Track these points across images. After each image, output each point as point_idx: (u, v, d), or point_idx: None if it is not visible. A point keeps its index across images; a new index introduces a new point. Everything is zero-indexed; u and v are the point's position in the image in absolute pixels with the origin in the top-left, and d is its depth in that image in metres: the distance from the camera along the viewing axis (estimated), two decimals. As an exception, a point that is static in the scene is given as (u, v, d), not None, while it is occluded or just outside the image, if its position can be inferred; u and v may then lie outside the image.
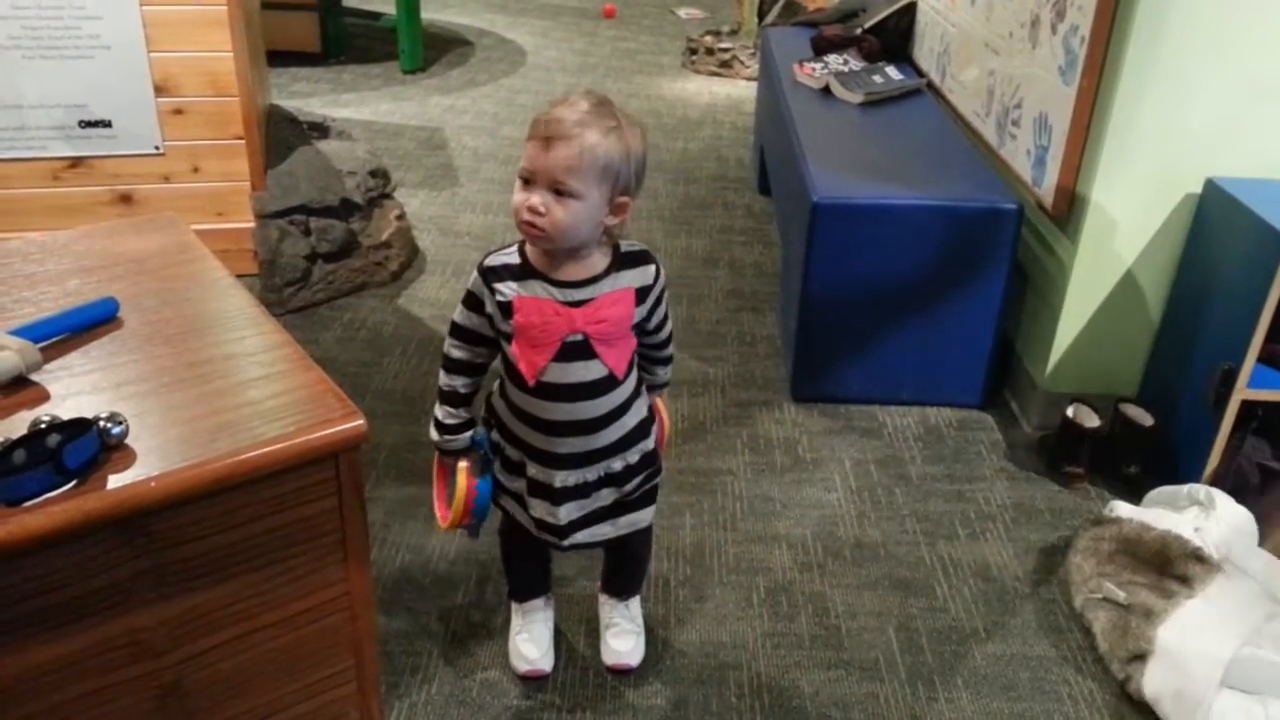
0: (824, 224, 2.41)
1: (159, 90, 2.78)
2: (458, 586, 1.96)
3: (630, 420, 1.56)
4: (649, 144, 1.46)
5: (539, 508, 1.58)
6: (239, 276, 1.36)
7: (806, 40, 3.77)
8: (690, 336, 2.85)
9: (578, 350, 1.46)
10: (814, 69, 3.37)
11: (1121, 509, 2.01)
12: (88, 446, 0.96)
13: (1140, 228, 2.26)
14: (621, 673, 1.79)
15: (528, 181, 1.38)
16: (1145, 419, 2.27)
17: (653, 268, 1.51)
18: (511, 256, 1.47)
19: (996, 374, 2.59)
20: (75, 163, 2.82)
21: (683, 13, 6.98)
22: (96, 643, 1.00)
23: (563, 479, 1.55)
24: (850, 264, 2.45)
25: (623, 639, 1.80)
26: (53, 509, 0.92)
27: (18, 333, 1.13)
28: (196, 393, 1.10)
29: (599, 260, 1.46)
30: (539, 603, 1.82)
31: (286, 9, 5.00)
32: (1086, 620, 1.90)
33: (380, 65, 5.35)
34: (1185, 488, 2.01)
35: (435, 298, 3.04)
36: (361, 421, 1.07)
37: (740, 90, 5.28)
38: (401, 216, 3.25)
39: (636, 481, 1.61)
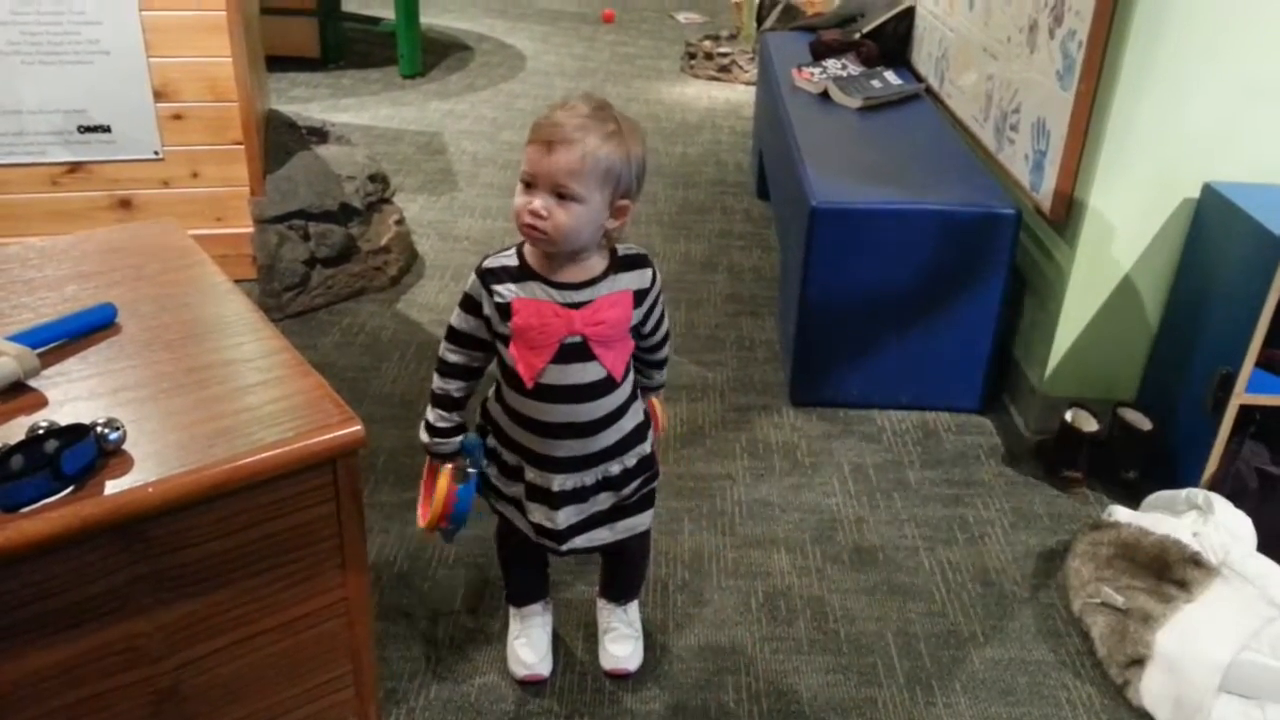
0: (822, 229, 2.41)
1: (158, 95, 2.79)
2: (456, 591, 1.96)
3: (627, 424, 1.56)
4: (648, 148, 1.46)
5: (537, 512, 1.58)
6: (238, 281, 1.36)
7: (805, 45, 3.78)
8: (689, 341, 2.85)
9: (576, 352, 1.46)
10: (812, 74, 3.37)
11: (1120, 513, 2.01)
12: (85, 452, 0.96)
13: (1138, 232, 2.27)
14: (620, 678, 1.79)
15: (529, 185, 1.39)
16: (1143, 423, 2.27)
17: (649, 271, 1.51)
18: (510, 259, 1.47)
19: (995, 378, 2.60)
20: (74, 168, 2.82)
21: (681, 17, 6.99)
22: (94, 648, 1.00)
23: (560, 483, 1.55)
24: (849, 269, 2.45)
25: (621, 644, 1.80)
26: (50, 515, 0.92)
27: (16, 339, 1.13)
28: (194, 398, 1.10)
29: (597, 263, 1.47)
30: (537, 607, 1.82)
31: (286, 14, 5.01)
32: (1085, 625, 1.90)
33: (379, 70, 5.36)
34: (1183, 492, 2.01)
35: (434, 302, 3.04)
36: (359, 427, 1.07)
37: (739, 95, 5.29)
38: (400, 221, 3.26)
39: (634, 485, 1.61)
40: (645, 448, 1.62)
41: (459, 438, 1.58)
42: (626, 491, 1.61)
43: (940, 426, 2.54)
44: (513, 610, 1.83)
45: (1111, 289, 2.33)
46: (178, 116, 2.83)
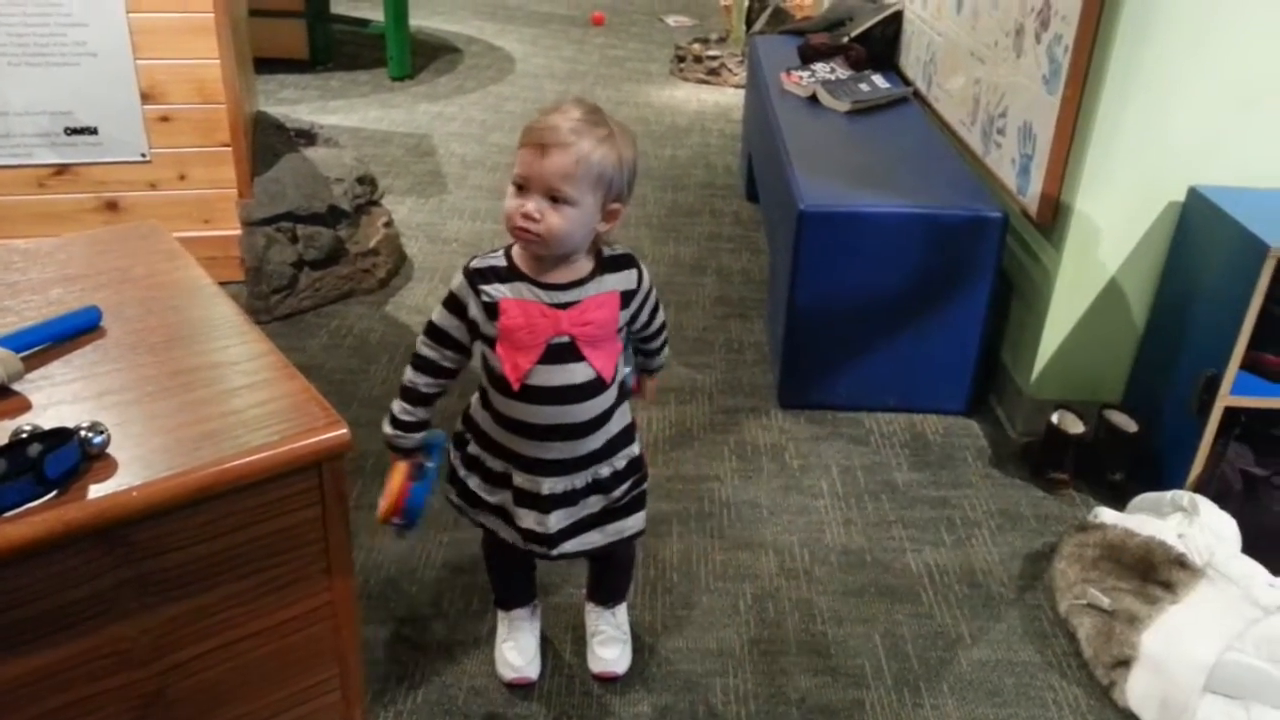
0: (811, 232, 2.42)
1: (145, 97, 2.78)
2: (443, 594, 1.96)
3: (614, 426, 1.56)
4: (638, 151, 1.47)
5: (527, 518, 1.57)
6: (226, 284, 1.36)
7: (794, 48, 3.78)
8: (678, 343, 2.85)
9: (564, 352, 1.46)
10: (801, 77, 3.38)
11: (1106, 515, 2.02)
12: (69, 456, 0.96)
13: (1124, 236, 2.28)
14: (608, 681, 1.79)
15: (522, 188, 1.39)
16: (1129, 425, 2.29)
17: (635, 272, 1.52)
18: (498, 260, 1.47)
19: (982, 381, 2.61)
20: (61, 170, 2.81)
21: (671, 20, 7.00)
22: (79, 653, 0.99)
23: (550, 486, 1.55)
24: (837, 271, 2.45)
25: (609, 647, 1.80)
26: (33, 519, 0.92)
27: (-1, 342, 1.13)
28: (179, 402, 1.10)
29: (584, 264, 1.47)
30: (525, 611, 1.82)
31: (274, 16, 5.00)
32: (1071, 626, 1.91)
33: (368, 72, 5.35)
34: (1169, 494, 2.02)
35: (423, 305, 3.04)
36: (345, 430, 1.07)
37: (728, 98, 5.29)
38: (389, 224, 3.25)
39: (624, 488, 1.61)
40: (634, 449, 1.62)
41: (420, 434, 1.58)
42: (616, 494, 1.61)
43: (928, 429, 2.54)
44: (500, 614, 1.83)
45: (1098, 292, 2.34)
46: (165, 118, 2.82)
